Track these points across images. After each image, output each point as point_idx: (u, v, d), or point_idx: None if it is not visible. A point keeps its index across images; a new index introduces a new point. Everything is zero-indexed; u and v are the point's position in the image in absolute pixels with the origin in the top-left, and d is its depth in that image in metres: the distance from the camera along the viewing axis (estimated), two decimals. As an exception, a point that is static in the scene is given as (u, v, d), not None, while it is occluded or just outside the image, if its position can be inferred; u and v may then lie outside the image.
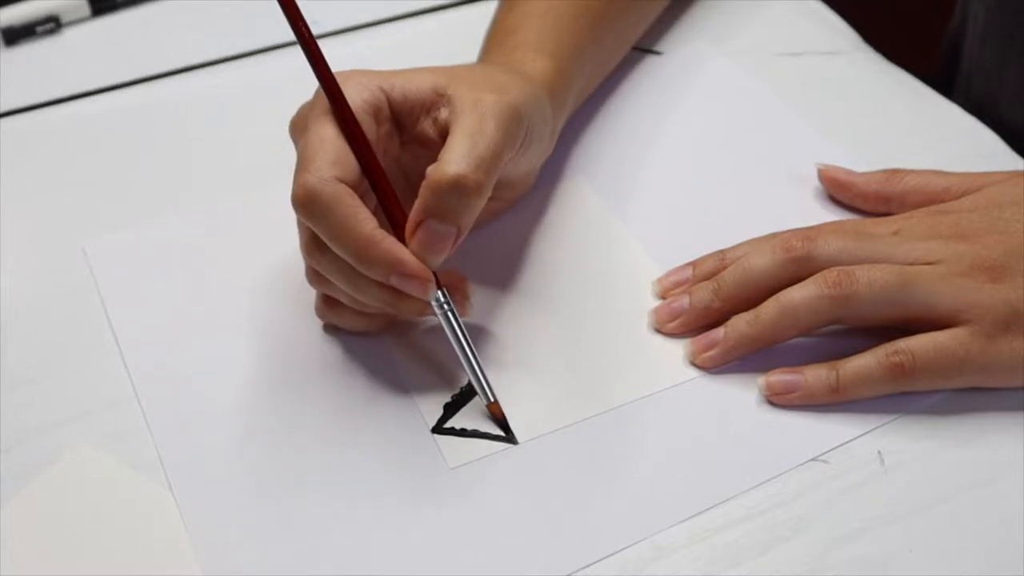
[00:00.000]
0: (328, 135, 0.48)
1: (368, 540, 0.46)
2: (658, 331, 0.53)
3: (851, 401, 0.49)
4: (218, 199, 0.61)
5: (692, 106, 0.66)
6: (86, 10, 0.75)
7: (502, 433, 0.49)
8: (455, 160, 0.47)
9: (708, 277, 0.53)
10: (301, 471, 0.49)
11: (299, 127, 0.51)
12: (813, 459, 0.48)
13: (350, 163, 0.48)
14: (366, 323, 0.52)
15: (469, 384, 0.51)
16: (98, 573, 0.46)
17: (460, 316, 0.50)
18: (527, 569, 0.45)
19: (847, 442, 0.49)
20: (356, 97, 0.49)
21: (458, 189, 0.47)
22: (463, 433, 0.50)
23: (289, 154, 0.50)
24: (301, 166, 0.48)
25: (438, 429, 0.50)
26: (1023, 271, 0.49)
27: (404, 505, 0.47)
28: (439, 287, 0.48)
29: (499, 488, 0.48)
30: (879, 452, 0.48)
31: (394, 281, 0.47)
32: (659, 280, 0.55)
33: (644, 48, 0.70)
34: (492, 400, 0.50)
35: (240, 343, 0.54)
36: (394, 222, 0.49)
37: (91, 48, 0.73)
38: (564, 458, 0.49)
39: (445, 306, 0.49)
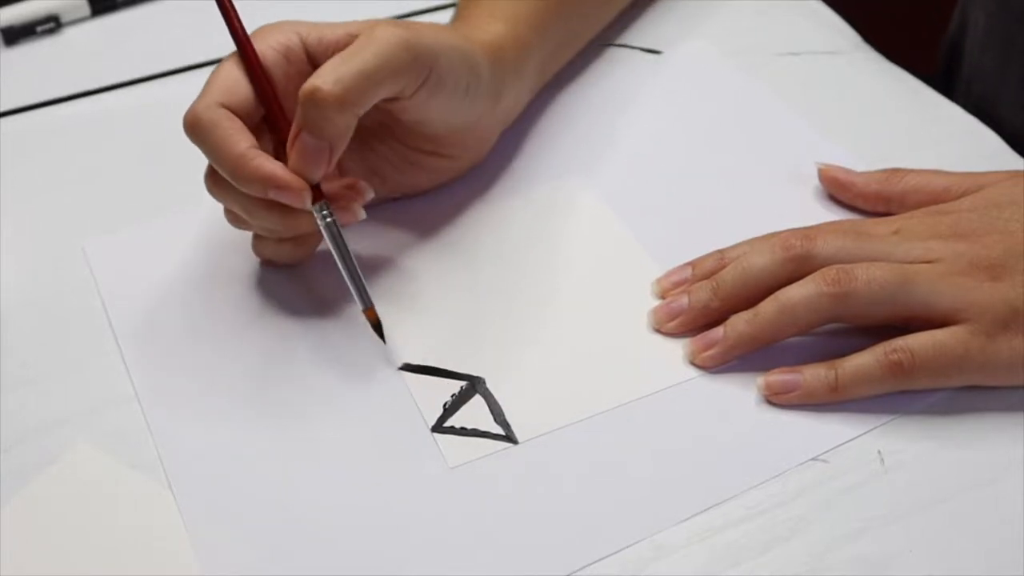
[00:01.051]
0: (224, 69, 0.52)
1: (368, 540, 0.46)
2: (657, 331, 0.53)
3: (850, 400, 0.49)
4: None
5: (692, 106, 0.66)
6: (86, 10, 0.75)
7: (501, 432, 0.49)
8: (320, 74, 0.49)
9: (707, 277, 0.53)
10: (301, 471, 0.49)
11: None
12: (813, 459, 0.48)
13: (240, 92, 0.52)
14: (287, 251, 0.55)
15: (469, 384, 0.51)
16: (98, 573, 0.46)
17: (345, 221, 0.52)
18: (527, 569, 0.45)
19: (847, 442, 0.49)
20: (269, 38, 0.53)
21: (314, 100, 0.49)
22: (463, 432, 0.50)
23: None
24: (196, 99, 0.52)
25: (438, 428, 0.50)
26: (1022, 270, 0.49)
27: (404, 505, 0.47)
28: (321, 199, 0.51)
29: (499, 488, 0.48)
30: (879, 452, 0.48)
31: (272, 195, 0.50)
32: (659, 280, 0.55)
33: (644, 48, 0.70)
34: (369, 306, 0.52)
35: (240, 343, 0.54)
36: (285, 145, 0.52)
37: (91, 48, 0.73)
38: (564, 458, 0.49)
39: (327, 216, 0.51)
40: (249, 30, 0.53)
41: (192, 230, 0.59)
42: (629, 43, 0.70)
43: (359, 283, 0.52)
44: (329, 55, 0.52)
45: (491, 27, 0.59)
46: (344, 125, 0.50)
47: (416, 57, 0.51)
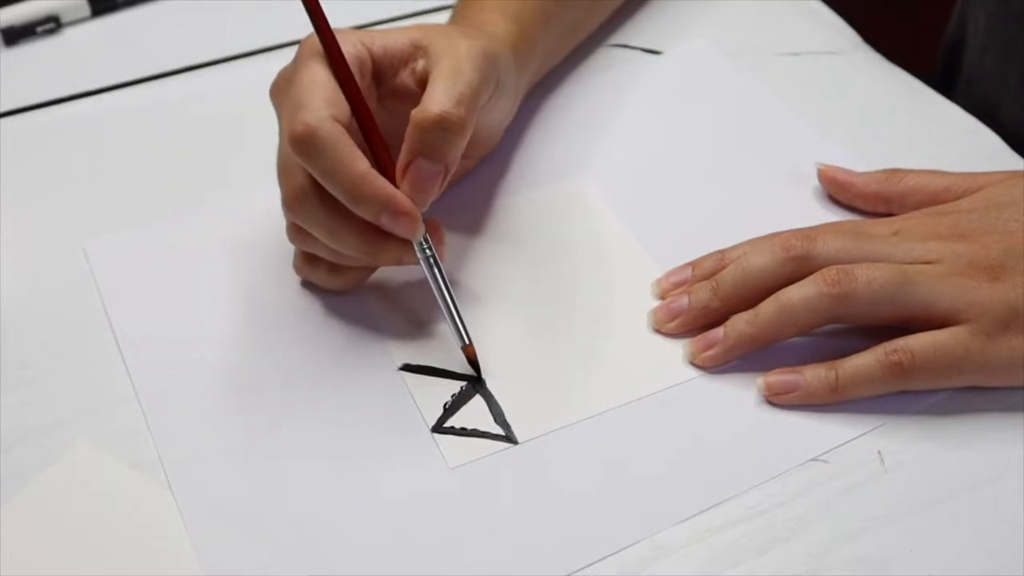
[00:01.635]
0: (320, 77, 0.50)
1: (368, 540, 0.46)
2: (657, 331, 0.53)
3: (850, 401, 0.49)
4: (218, 199, 0.61)
5: (692, 106, 0.66)
6: (86, 10, 0.74)
7: (501, 432, 0.49)
8: (438, 99, 0.49)
9: (707, 277, 0.53)
10: (301, 471, 0.49)
11: (281, 87, 0.52)
12: (813, 459, 0.48)
13: (343, 105, 0.50)
14: (342, 281, 0.54)
15: (469, 384, 0.51)
16: (98, 573, 0.46)
17: (441, 257, 0.51)
18: (527, 569, 0.45)
19: (847, 442, 0.49)
20: (342, 48, 0.51)
21: (443, 125, 0.49)
22: (463, 433, 0.50)
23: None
24: (297, 106, 0.49)
25: (438, 429, 0.50)
26: (1022, 270, 0.49)
27: (404, 505, 0.47)
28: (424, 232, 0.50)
29: (499, 488, 0.48)
30: (879, 452, 0.48)
31: (384, 220, 0.49)
32: (659, 281, 0.55)
33: (644, 48, 0.70)
34: (467, 343, 0.51)
35: (240, 343, 0.54)
36: (381, 166, 0.50)
37: (91, 48, 0.73)
38: (564, 458, 0.49)
39: (427, 250, 0.50)
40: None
41: (192, 230, 0.59)
42: (629, 43, 0.70)
43: (459, 319, 0.51)
44: (396, 67, 0.52)
45: (503, 25, 0.59)
46: (462, 147, 0.50)
47: (495, 67, 0.53)
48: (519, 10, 0.60)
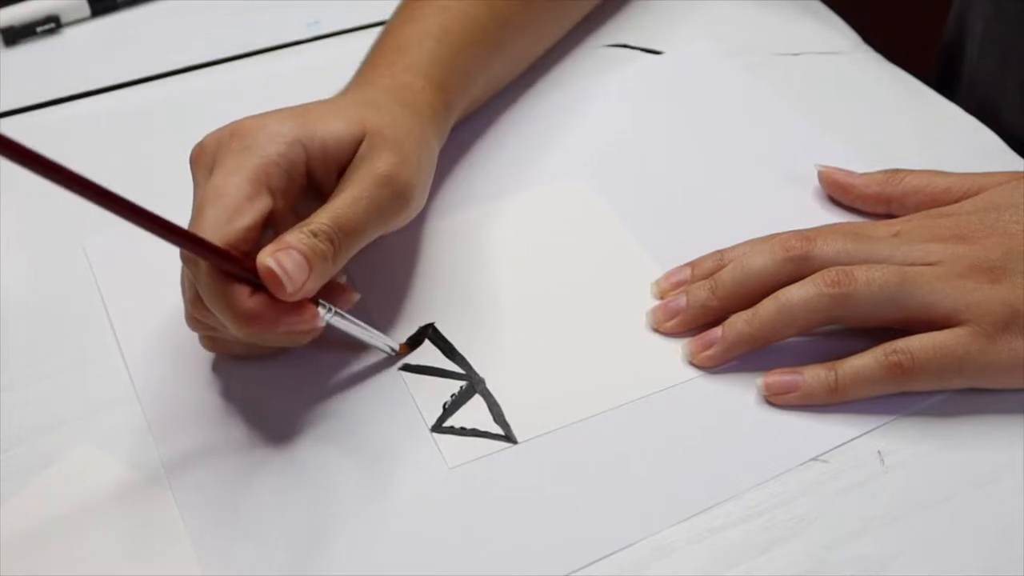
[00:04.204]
0: (228, 188, 0.48)
1: (368, 540, 0.46)
2: (656, 330, 0.53)
3: (850, 401, 0.49)
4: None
5: (692, 106, 0.66)
6: (86, 10, 0.75)
7: (501, 432, 0.49)
8: (324, 220, 0.47)
9: (707, 277, 0.53)
10: (301, 471, 0.49)
11: (202, 161, 0.50)
12: (813, 459, 0.48)
13: (239, 220, 0.47)
14: (258, 352, 0.52)
15: (468, 384, 0.51)
16: (98, 573, 0.46)
17: (346, 308, 0.50)
18: (527, 569, 0.45)
19: (847, 442, 0.49)
20: (273, 152, 0.49)
21: (319, 256, 0.46)
22: (463, 432, 0.50)
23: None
24: (196, 215, 0.48)
25: (438, 428, 0.50)
26: (1022, 272, 0.49)
27: (404, 504, 0.47)
28: (318, 303, 0.48)
29: (499, 488, 0.48)
30: (879, 452, 0.48)
31: (283, 332, 0.47)
32: (658, 281, 0.55)
33: (644, 48, 0.70)
34: (396, 350, 0.52)
35: (240, 343, 0.54)
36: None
37: (91, 48, 0.73)
38: (564, 458, 0.49)
39: (333, 312, 0.49)
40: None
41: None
42: (629, 43, 0.70)
43: (384, 341, 0.52)
44: (330, 171, 0.50)
45: (428, 95, 0.56)
46: (329, 274, 0.47)
47: (406, 202, 0.50)
48: (446, 76, 0.57)
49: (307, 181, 0.51)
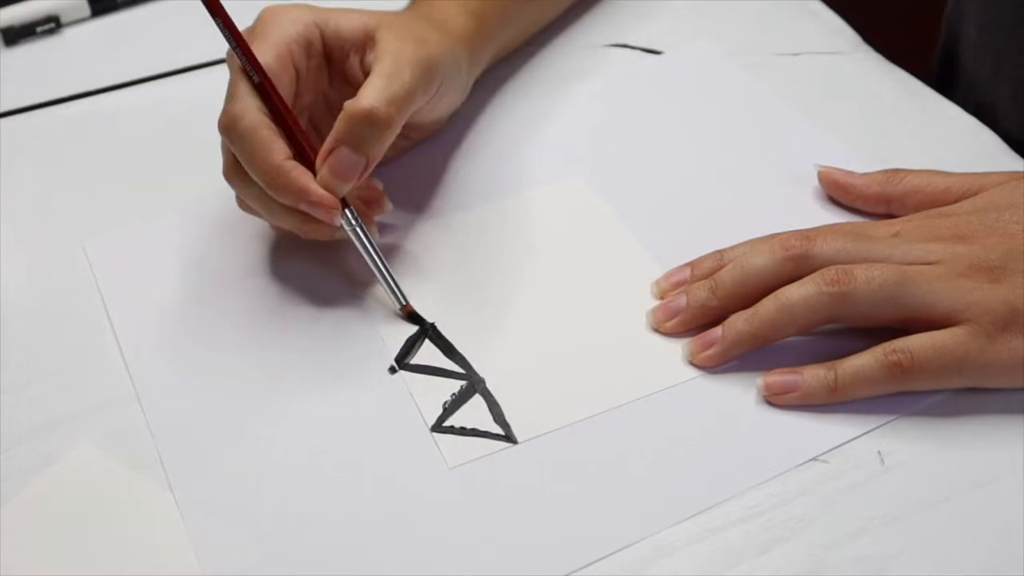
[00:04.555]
0: (239, 80, 0.52)
1: (368, 540, 0.46)
2: (656, 330, 0.53)
3: (850, 401, 0.49)
4: (218, 199, 0.61)
5: (692, 106, 0.66)
6: (86, 10, 0.75)
7: (501, 432, 0.49)
8: (371, 95, 0.51)
9: (707, 277, 0.53)
10: (301, 471, 0.49)
11: (231, 64, 0.54)
12: (813, 459, 0.48)
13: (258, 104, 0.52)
14: (309, 232, 0.55)
15: (468, 383, 0.51)
16: (98, 573, 0.46)
17: (369, 225, 0.54)
18: (526, 569, 0.45)
19: (847, 442, 0.49)
20: (290, 30, 0.54)
21: (371, 120, 0.51)
22: (463, 432, 0.50)
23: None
24: (229, 95, 0.52)
25: (438, 428, 0.50)
26: (1022, 271, 0.49)
27: (404, 504, 0.47)
28: (346, 208, 0.53)
29: (499, 488, 0.48)
30: (879, 452, 0.48)
31: (303, 207, 0.51)
32: (658, 281, 0.55)
33: (644, 48, 0.70)
34: (404, 304, 0.54)
35: (240, 343, 0.54)
36: (305, 158, 0.52)
37: (91, 48, 0.73)
38: (564, 458, 0.49)
39: (354, 223, 0.53)
40: (243, 21, 0.53)
41: (192, 230, 0.59)
42: (629, 43, 0.70)
43: (393, 283, 0.54)
44: (346, 52, 0.55)
45: (460, 20, 0.60)
46: (387, 144, 0.52)
47: (436, 75, 0.55)
48: (479, 5, 0.61)
49: (324, 62, 0.55)
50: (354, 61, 0.55)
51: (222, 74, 0.71)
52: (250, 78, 0.52)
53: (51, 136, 0.66)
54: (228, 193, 0.61)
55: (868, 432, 0.49)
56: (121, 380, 0.53)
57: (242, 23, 0.54)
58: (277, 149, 0.51)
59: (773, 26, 0.71)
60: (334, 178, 0.51)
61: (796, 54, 0.69)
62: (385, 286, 0.54)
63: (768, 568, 0.45)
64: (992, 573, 0.44)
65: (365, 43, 0.55)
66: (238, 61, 0.53)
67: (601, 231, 0.58)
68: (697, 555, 0.45)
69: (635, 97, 0.67)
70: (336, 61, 0.56)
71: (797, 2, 0.73)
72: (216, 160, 0.64)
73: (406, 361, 0.53)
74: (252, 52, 0.52)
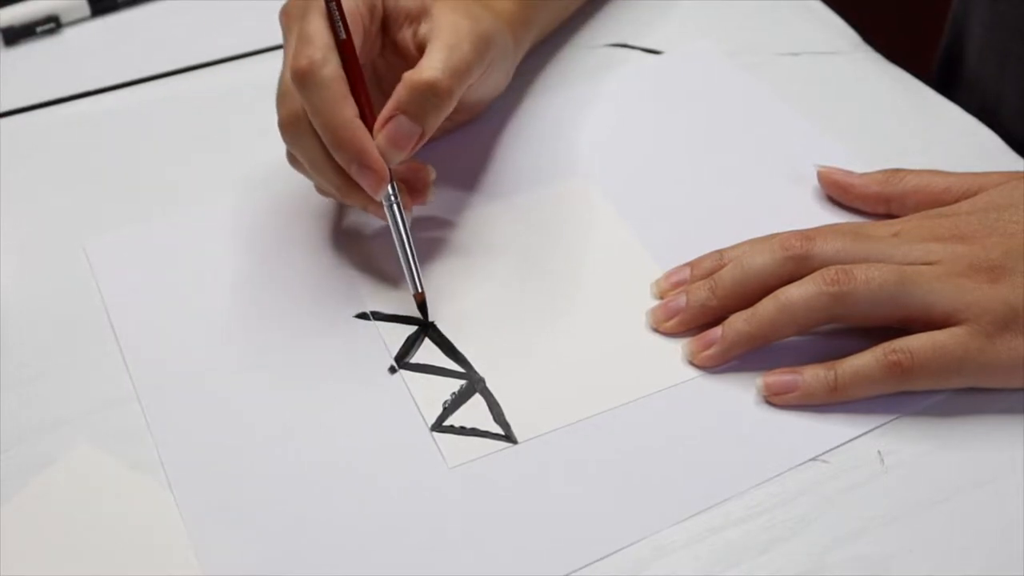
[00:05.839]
0: (319, 29, 0.52)
1: (368, 539, 0.46)
2: (656, 330, 0.53)
3: (850, 401, 0.49)
4: (218, 199, 0.61)
5: (692, 106, 0.66)
6: (86, 10, 0.75)
7: (501, 432, 0.49)
8: (433, 65, 0.52)
9: (706, 277, 0.53)
10: (300, 471, 0.49)
11: (293, 14, 0.54)
12: (813, 459, 0.48)
13: (337, 58, 0.52)
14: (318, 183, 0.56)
15: (468, 383, 0.51)
16: (98, 573, 0.46)
17: (409, 205, 0.55)
18: (526, 568, 0.45)
19: (847, 442, 0.49)
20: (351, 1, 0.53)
21: (432, 91, 0.51)
22: (462, 432, 0.50)
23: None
24: (307, 39, 0.51)
25: (438, 428, 0.50)
26: (1022, 271, 0.49)
27: (403, 504, 0.47)
28: (391, 182, 0.52)
29: (499, 487, 0.48)
30: (879, 452, 0.48)
31: (353, 170, 0.51)
32: (658, 281, 0.55)
33: (644, 48, 0.70)
34: (420, 290, 0.53)
35: (240, 343, 0.54)
36: (365, 121, 0.52)
37: (91, 48, 0.73)
38: (564, 458, 0.49)
39: (393, 198, 0.53)
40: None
41: (192, 230, 0.59)
42: (629, 43, 0.70)
43: (416, 268, 0.54)
44: (401, 22, 0.56)
45: (508, 5, 0.61)
46: (444, 117, 0.53)
47: (490, 51, 0.55)
48: None
49: (380, 30, 0.56)
50: (407, 33, 0.56)
51: (222, 74, 0.71)
52: (334, 29, 0.52)
53: (51, 136, 0.66)
54: (228, 193, 0.61)
55: (868, 432, 0.49)
56: (121, 380, 0.53)
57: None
58: (349, 104, 0.51)
59: (773, 26, 0.71)
60: (390, 146, 0.52)
61: (796, 54, 0.69)
62: (407, 268, 0.54)
63: (768, 568, 0.45)
64: (992, 573, 0.44)
65: (420, 15, 0.55)
66: (315, 8, 0.52)
67: (601, 231, 0.58)
68: (697, 555, 0.45)
69: (635, 97, 0.67)
70: (391, 30, 0.56)
71: (797, 2, 0.73)
72: (216, 160, 0.64)
73: (406, 360, 0.53)
74: (341, 6, 0.52)
